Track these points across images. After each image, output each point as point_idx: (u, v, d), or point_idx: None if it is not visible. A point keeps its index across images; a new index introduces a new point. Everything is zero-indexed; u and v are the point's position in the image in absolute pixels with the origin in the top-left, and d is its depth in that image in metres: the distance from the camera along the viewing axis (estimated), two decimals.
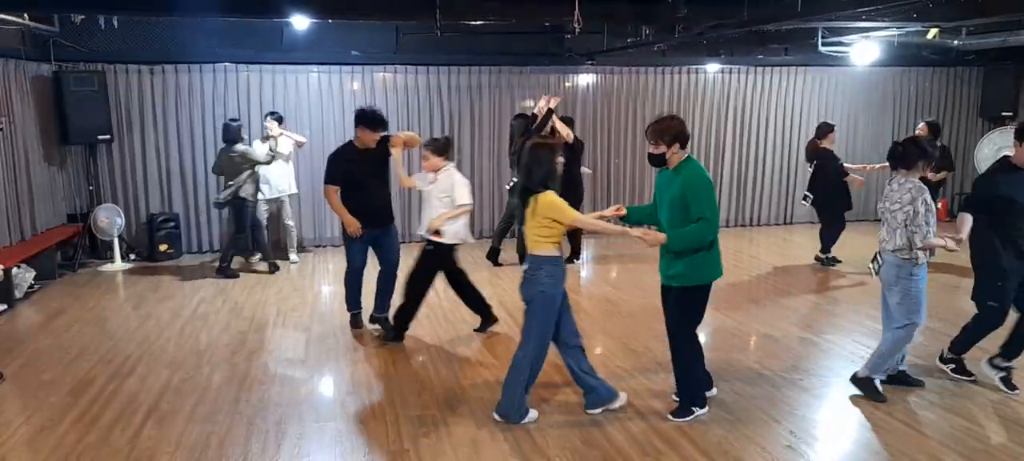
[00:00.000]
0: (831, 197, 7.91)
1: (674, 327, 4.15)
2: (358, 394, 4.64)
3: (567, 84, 9.81)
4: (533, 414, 4.20)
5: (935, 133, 7.59)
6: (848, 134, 10.63)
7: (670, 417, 4.20)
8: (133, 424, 4.21)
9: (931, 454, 3.79)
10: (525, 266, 4.12)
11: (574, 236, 8.04)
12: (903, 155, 4.30)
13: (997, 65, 10.51)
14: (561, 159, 4.06)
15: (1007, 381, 4.61)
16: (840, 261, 8.07)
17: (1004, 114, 10.54)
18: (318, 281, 7.60)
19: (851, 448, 3.93)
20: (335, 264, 8.30)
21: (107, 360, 5.26)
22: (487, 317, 5.81)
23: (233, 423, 4.22)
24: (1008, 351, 4.62)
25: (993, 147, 10.17)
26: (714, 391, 4.49)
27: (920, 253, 4.21)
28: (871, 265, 4.68)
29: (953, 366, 4.81)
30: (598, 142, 9.97)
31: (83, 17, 7.72)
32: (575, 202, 7.02)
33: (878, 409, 4.33)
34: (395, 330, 5.56)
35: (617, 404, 4.29)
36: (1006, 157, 4.54)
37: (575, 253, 8.17)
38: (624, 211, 4.26)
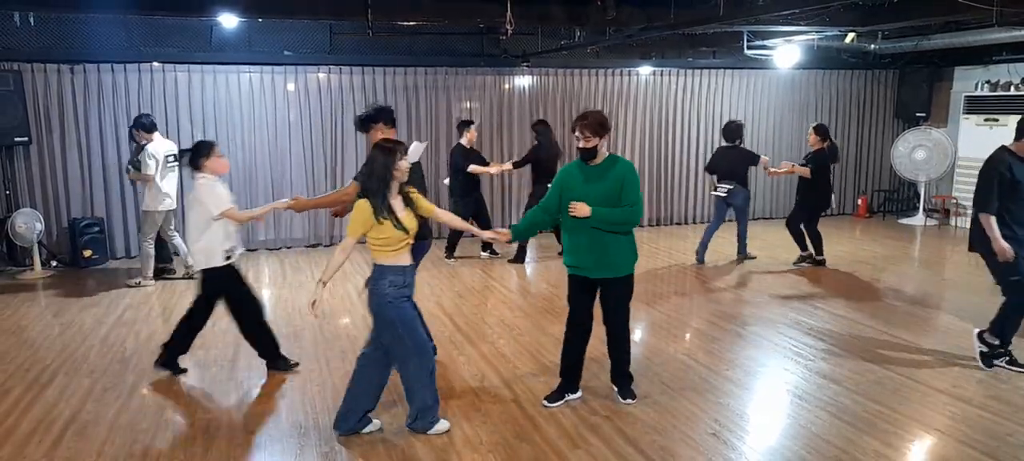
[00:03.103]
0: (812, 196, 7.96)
1: (623, 314, 4.32)
2: (289, 398, 4.59)
3: (504, 85, 9.88)
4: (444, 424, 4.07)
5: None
6: (773, 134, 11.03)
7: (629, 402, 4.41)
8: (51, 434, 4.07)
9: (848, 438, 3.98)
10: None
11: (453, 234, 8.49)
12: None
13: (911, 68, 11.06)
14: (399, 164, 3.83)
15: (986, 357, 4.92)
16: (755, 256, 8.36)
17: (918, 115, 11.09)
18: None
19: (774, 435, 4.09)
20: (262, 267, 8.17)
21: (25, 369, 5.05)
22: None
23: (158, 431, 4.12)
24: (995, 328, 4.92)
25: (908, 146, 10.73)
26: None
27: None
28: None
29: (1007, 359, 4.89)
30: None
31: None
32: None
33: (800, 398, 4.51)
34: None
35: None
36: (1004, 147, 4.72)
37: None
38: (509, 235, 4.37)
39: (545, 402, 4.40)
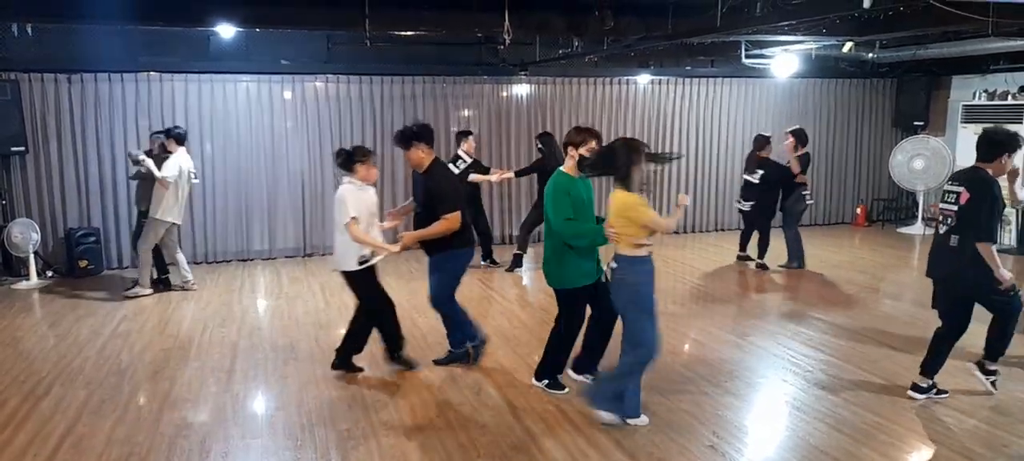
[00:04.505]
0: (770, 205, 8.27)
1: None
2: (286, 410, 4.57)
3: (502, 94, 9.88)
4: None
5: (801, 141, 8.09)
6: (773, 143, 11.01)
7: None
8: (47, 447, 4.04)
9: (846, 450, 3.96)
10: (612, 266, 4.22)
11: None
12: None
13: (909, 77, 11.08)
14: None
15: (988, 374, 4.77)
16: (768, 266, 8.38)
17: (916, 123, 11.10)
18: (245, 296, 7.43)
19: (772, 447, 4.07)
20: (259, 278, 8.16)
21: (20, 381, 5.03)
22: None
23: (154, 443, 4.09)
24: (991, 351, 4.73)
25: (906, 155, 10.74)
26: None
27: None
28: None
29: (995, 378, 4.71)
30: (533, 151, 10.05)
31: None
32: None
33: (798, 409, 4.50)
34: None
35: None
36: (979, 169, 4.43)
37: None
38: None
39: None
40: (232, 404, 4.66)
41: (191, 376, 5.12)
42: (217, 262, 8.92)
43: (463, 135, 8.20)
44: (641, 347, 4.14)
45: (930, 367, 4.64)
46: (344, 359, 5.12)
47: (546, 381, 4.79)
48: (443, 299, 5.11)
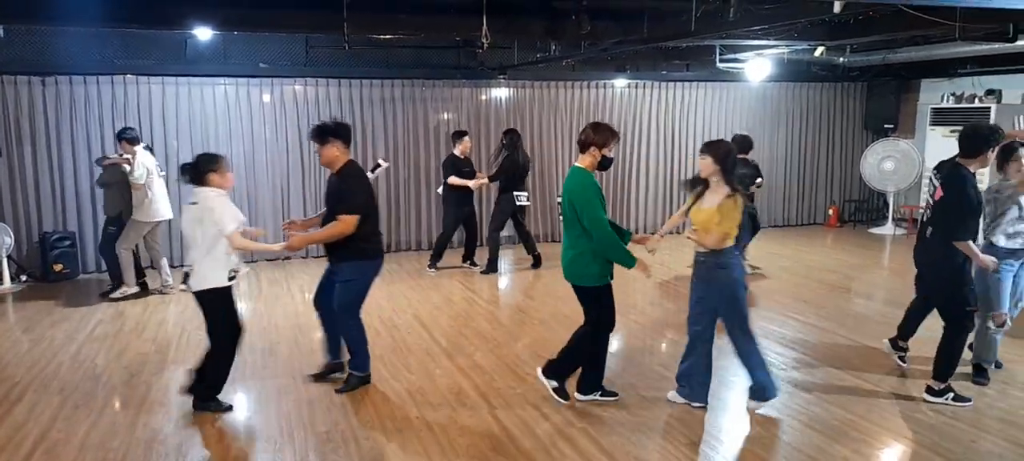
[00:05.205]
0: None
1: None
2: (265, 413, 4.57)
3: (481, 97, 9.92)
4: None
5: (743, 147, 7.66)
6: None
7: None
8: (20, 454, 4.01)
9: (819, 447, 4.05)
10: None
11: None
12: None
13: (879, 81, 11.29)
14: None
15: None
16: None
17: (886, 126, 11.32)
18: None
19: (748, 447, 4.15)
20: (241, 284, 8.12)
21: None
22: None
23: (130, 449, 4.07)
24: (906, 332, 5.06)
25: (876, 157, 10.94)
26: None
27: None
28: None
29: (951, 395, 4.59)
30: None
31: None
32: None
33: (775, 409, 4.57)
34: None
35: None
36: (959, 165, 4.46)
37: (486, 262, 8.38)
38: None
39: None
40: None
41: (168, 380, 5.10)
42: None
43: (458, 136, 8.25)
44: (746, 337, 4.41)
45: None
46: (206, 400, 4.55)
47: (598, 393, 4.60)
48: (349, 312, 4.78)
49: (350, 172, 4.69)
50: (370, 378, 4.97)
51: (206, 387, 4.56)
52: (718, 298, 4.36)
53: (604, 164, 4.32)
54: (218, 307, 4.46)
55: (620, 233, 4.41)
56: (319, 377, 5.03)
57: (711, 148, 4.31)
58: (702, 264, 4.39)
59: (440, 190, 8.49)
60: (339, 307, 4.77)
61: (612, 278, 4.41)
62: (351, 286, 4.73)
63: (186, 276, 4.47)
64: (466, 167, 8.26)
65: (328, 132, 4.63)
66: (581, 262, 4.33)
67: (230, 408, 4.58)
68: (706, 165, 4.26)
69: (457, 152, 8.18)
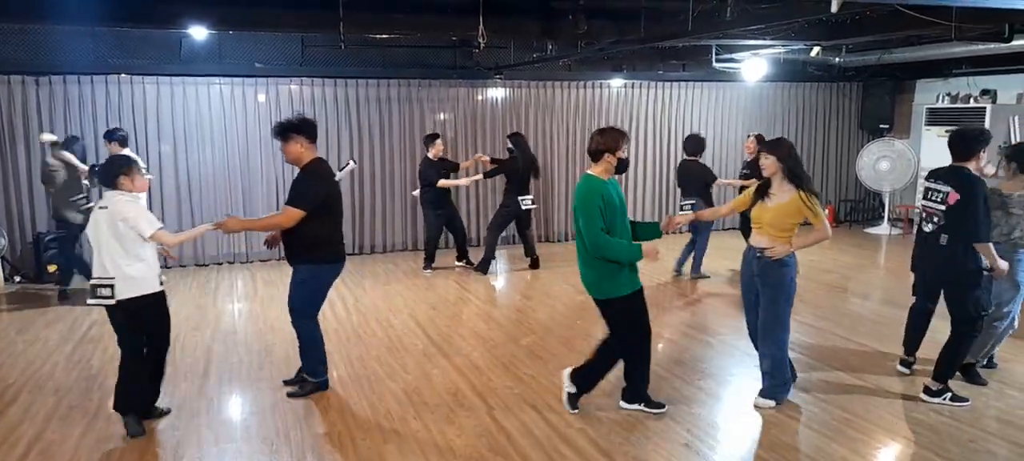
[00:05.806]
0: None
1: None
2: (261, 414, 4.54)
3: (477, 97, 9.91)
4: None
5: (694, 149, 7.80)
6: (741, 146, 11.17)
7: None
8: (15, 455, 3.98)
9: (816, 446, 4.05)
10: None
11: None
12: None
13: (875, 81, 11.32)
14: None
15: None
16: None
17: (882, 126, 11.35)
18: (219, 300, 7.36)
19: (745, 444, 4.15)
20: (234, 281, 8.09)
21: None
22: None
23: (125, 450, 4.05)
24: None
25: (872, 157, 10.96)
26: None
27: None
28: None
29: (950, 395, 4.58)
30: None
31: None
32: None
33: (774, 409, 4.57)
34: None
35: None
36: (963, 168, 4.46)
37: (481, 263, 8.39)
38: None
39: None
40: (206, 409, 4.63)
41: (163, 381, 5.06)
42: (191, 266, 8.82)
43: (430, 139, 8.22)
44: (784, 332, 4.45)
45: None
46: (127, 414, 4.25)
47: (641, 403, 4.46)
48: (303, 315, 4.70)
49: (312, 169, 4.55)
50: (327, 384, 4.85)
51: (128, 399, 4.25)
52: (774, 289, 4.35)
53: (621, 167, 4.15)
54: (144, 316, 4.17)
55: (645, 227, 4.38)
56: (292, 383, 4.92)
57: (774, 147, 4.34)
58: (760, 261, 4.37)
59: (416, 193, 8.50)
60: (292, 308, 4.69)
61: (633, 290, 4.24)
62: (305, 287, 4.63)
63: (95, 289, 4.05)
64: (444, 169, 8.25)
65: (290, 128, 4.47)
66: (603, 275, 4.16)
67: (167, 412, 4.48)
68: (770, 164, 4.29)
69: (430, 155, 8.15)
